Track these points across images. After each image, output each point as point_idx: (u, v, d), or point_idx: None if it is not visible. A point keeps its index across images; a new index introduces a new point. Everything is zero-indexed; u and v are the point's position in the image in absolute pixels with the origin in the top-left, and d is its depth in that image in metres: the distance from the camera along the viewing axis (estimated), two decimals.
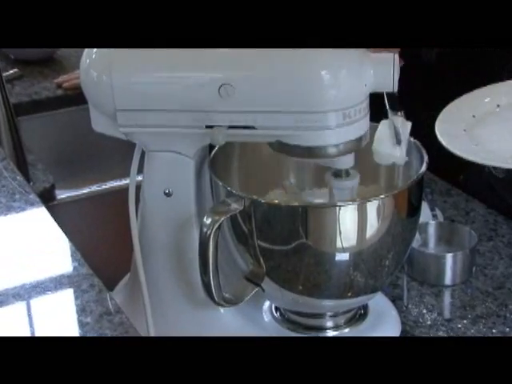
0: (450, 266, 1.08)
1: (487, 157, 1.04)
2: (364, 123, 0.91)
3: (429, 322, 1.03)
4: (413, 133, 1.00)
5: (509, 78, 1.21)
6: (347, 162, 0.93)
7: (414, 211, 0.96)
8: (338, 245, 0.91)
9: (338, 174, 0.94)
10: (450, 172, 1.30)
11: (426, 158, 0.96)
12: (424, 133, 1.03)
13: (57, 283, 0.97)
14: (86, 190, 1.52)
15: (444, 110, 1.13)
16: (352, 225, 0.90)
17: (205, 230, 0.89)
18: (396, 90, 0.89)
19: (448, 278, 1.09)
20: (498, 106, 1.16)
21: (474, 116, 1.13)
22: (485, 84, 1.18)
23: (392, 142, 0.92)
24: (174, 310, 1.00)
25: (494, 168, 1.25)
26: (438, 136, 1.07)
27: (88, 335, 0.88)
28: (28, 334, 0.90)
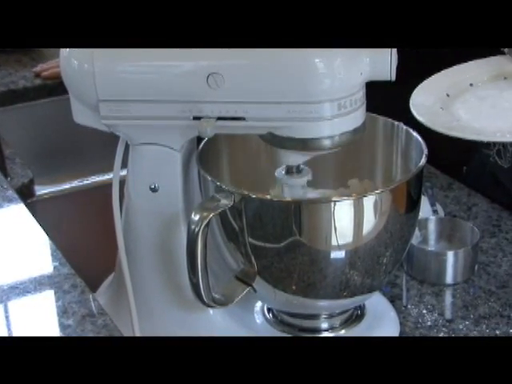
0: (452, 263, 1.09)
1: (473, 132, 1.06)
2: (360, 114, 0.91)
3: (429, 323, 1.03)
4: (411, 126, 1.01)
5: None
6: (297, 158, 0.94)
7: (413, 206, 0.97)
8: (334, 242, 0.91)
9: (289, 170, 0.95)
10: (451, 165, 1.31)
11: (425, 150, 0.96)
12: (423, 126, 1.04)
13: (37, 284, 0.98)
14: (66, 186, 1.52)
15: (416, 89, 1.17)
16: (348, 221, 0.91)
17: (193, 227, 0.89)
18: (394, 78, 0.89)
19: (449, 277, 1.09)
20: (471, 84, 1.19)
21: (448, 95, 1.16)
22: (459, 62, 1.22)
23: None
24: (161, 312, 1.00)
25: (500, 157, 1.27)
26: (416, 115, 1.09)
27: None
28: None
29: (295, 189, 0.96)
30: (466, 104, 1.15)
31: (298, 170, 0.96)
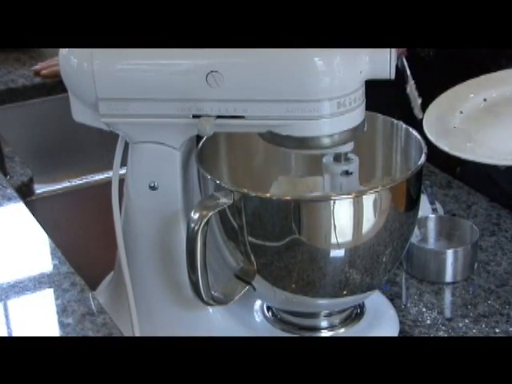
0: (451, 262, 1.09)
1: (485, 154, 1.06)
2: (359, 112, 0.91)
3: (428, 322, 1.03)
4: (410, 124, 1.01)
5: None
6: (346, 145, 0.93)
7: (412, 205, 0.97)
8: (333, 240, 0.91)
9: (336, 158, 0.95)
10: (447, 164, 1.31)
11: (425, 149, 0.96)
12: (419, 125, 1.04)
13: (36, 282, 0.98)
14: (66, 184, 1.52)
15: (429, 108, 1.16)
16: (347, 219, 0.91)
17: (192, 225, 0.89)
18: (393, 77, 0.89)
19: (449, 275, 1.09)
20: (485, 100, 1.18)
21: (461, 112, 1.15)
22: (474, 76, 1.21)
23: None
24: (161, 310, 1.00)
25: None
26: (429, 135, 1.09)
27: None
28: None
29: (338, 176, 0.95)
30: (480, 123, 1.14)
31: (346, 158, 0.95)
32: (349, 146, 0.93)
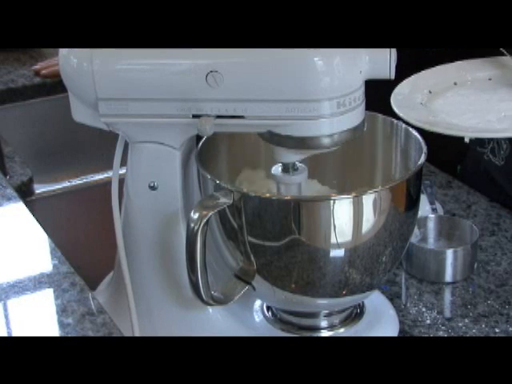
0: (451, 262, 1.09)
1: (448, 127, 1.07)
2: (359, 112, 0.91)
3: (428, 322, 1.03)
4: (409, 124, 1.01)
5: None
6: (294, 156, 0.94)
7: (412, 204, 0.97)
8: (333, 240, 0.91)
9: (285, 168, 0.95)
10: (446, 164, 1.32)
11: (424, 148, 0.96)
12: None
13: (36, 282, 0.98)
14: (66, 184, 1.52)
15: (399, 85, 1.17)
16: (347, 219, 0.91)
17: (192, 225, 0.89)
18: (393, 77, 0.89)
19: (448, 275, 1.09)
20: (455, 83, 1.20)
21: (430, 92, 1.17)
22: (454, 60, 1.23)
23: None
24: (160, 310, 1.00)
25: (494, 155, 1.27)
26: (394, 108, 1.10)
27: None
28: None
29: (291, 187, 0.96)
30: (446, 101, 1.17)
31: (294, 169, 0.96)
32: (297, 157, 0.94)
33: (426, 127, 1.06)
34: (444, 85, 1.20)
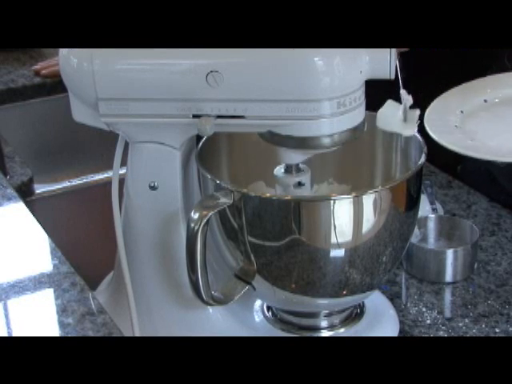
0: (451, 262, 1.09)
1: (488, 152, 1.07)
2: (359, 112, 0.91)
3: (428, 322, 1.03)
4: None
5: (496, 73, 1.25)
6: (297, 157, 0.94)
7: (412, 204, 0.97)
8: (333, 240, 0.91)
9: (288, 169, 0.96)
10: (447, 164, 1.31)
11: (424, 148, 0.96)
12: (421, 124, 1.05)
13: (36, 282, 0.98)
14: (66, 184, 1.52)
15: (430, 106, 1.18)
16: (347, 219, 0.91)
17: (192, 225, 0.89)
18: (393, 77, 0.89)
19: (448, 275, 1.09)
20: (485, 101, 1.20)
21: (462, 112, 1.17)
22: (473, 78, 1.22)
23: (399, 117, 0.94)
24: (161, 310, 1.00)
25: None
26: (431, 133, 1.09)
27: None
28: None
29: (292, 188, 0.96)
30: (480, 122, 1.16)
31: (297, 169, 0.96)
32: (299, 158, 0.94)
33: (470, 154, 1.07)
34: (474, 103, 1.20)
